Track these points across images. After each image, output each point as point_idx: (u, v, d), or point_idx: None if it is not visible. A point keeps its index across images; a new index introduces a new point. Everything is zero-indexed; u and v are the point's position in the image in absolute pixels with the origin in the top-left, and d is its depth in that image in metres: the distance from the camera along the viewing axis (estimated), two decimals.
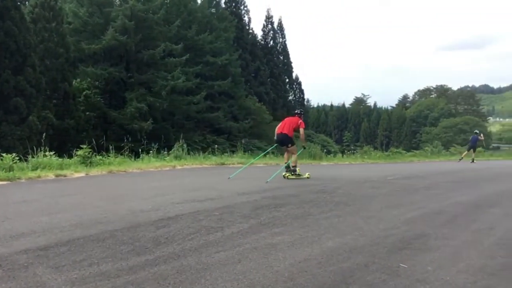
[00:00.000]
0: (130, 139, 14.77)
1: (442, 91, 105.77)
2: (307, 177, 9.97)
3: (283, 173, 10.03)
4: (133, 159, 12.51)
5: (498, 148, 64.25)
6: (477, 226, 5.37)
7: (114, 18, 27.59)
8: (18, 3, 21.12)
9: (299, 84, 63.28)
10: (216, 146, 19.07)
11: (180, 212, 5.32)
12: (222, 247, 3.99)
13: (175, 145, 14.30)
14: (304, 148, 10.30)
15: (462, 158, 23.93)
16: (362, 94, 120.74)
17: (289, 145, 10.08)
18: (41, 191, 7.06)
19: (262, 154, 13.54)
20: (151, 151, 13.53)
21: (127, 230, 4.42)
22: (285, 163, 10.30)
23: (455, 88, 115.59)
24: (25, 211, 5.29)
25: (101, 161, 11.04)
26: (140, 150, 13.78)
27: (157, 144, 14.65)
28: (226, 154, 16.81)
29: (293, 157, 10.01)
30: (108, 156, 11.91)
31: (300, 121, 10.11)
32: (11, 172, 8.32)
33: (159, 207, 5.62)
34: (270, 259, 3.67)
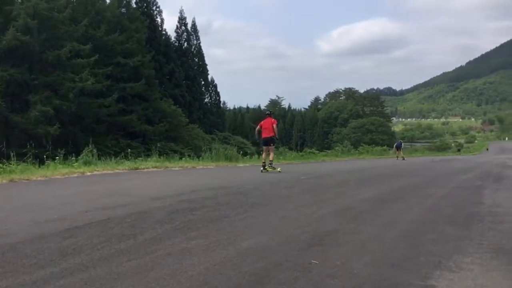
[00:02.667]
0: (34, 145, 13.74)
1: (350, 93, 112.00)
2: (279, 171, 12.44)
3: (261, 169, 12.39)
4: (37, 166, 11.73)
5: None
6: (382, 220, 5.71)
7: (15, 17, 25.73)
8: None
9: (215, 86, 63.36)
10: (129, 150, 18.43)
11: (89, 221, 5.05)
12: (135, 255, 3.84)
13: (84, 150, 13.59)
14: (276, 138, 12.89)
15: (403, 157, 31.85)
16: (277, 96, 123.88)
17: (272, 144, 12.73)
18: None
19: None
20: (57, 157, 12.74)
21: (30, 242, 4.11)
22: (263, 162, 12.60)
23: (362, 90, 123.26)
24: None
25: (1, 169, 10.29)
26: (45, 156, 12.94)
27: (64, 149, 13.82)
28: (140, 158, 16.36)
29: (271, 155, 12.71)
30: (10, 163, 11.08)
31: (273, 119, 12.89)
32: None
33: (66, 216, 5.29)
34: (184, 264, 3.61)
